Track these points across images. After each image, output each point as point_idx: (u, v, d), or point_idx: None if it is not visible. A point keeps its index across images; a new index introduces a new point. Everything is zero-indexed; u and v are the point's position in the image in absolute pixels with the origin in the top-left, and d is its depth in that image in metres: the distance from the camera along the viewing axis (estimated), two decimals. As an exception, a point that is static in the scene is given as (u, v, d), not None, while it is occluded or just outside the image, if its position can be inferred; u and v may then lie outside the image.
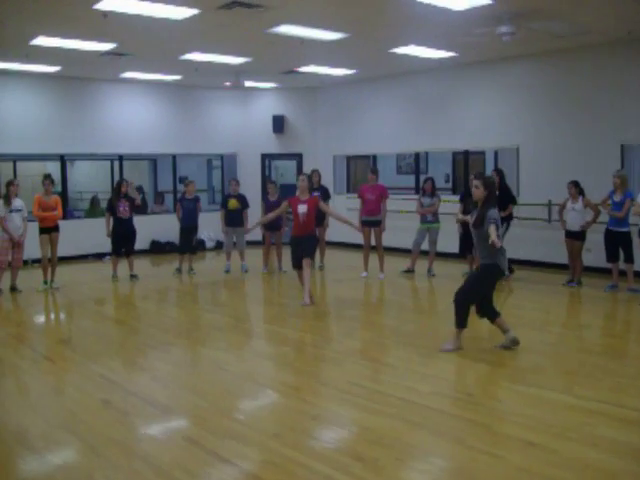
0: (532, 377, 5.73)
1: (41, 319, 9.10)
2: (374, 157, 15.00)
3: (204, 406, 5.11)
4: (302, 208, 8.49)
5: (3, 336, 7.71)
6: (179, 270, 11.75)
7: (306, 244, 8.65)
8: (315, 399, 5.32)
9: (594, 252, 10.09)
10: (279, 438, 4.39)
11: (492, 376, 5.85)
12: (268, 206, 11.72)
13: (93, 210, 14.74)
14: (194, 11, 8.37)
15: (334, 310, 9.07)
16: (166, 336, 7.50)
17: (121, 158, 14.54)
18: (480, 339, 7.13)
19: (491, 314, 6.52)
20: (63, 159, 13.95)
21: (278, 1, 8.06)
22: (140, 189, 14.54)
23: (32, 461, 4.16)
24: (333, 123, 15.67)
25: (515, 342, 6.51)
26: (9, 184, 10.05)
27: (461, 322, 6.43)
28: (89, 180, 18.44)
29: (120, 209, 10.97)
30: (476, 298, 6.45)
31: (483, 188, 6.29)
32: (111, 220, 11.05)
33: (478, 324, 8.30)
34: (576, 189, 9.82)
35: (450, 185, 14.88)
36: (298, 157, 16.17)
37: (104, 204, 13.69)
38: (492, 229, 6.04)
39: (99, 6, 8.05)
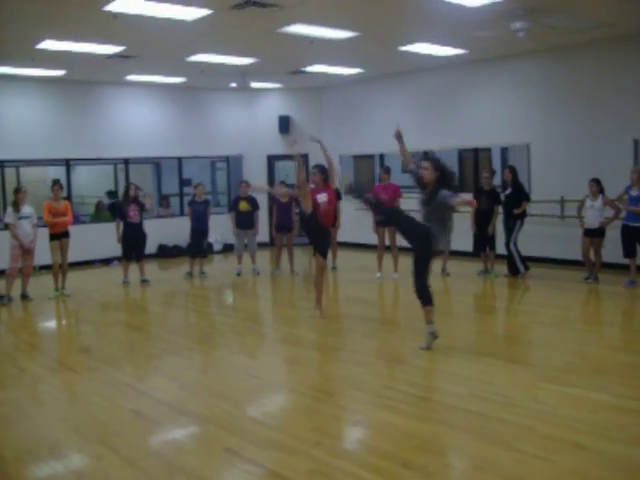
0: (566, 376, 5.65)
1: (55, 326, 8.97)
2: (381, 156, 14.85)
3: (238, 414, 4.99)
4: (322, 197, 8.05)
5: (19, 344, 7.61)
6: (190, 274, 11.61)
7: (325, 237, 8.35)
8: (351, 404, 5.21)
9: (610, 248, 9.99)
10: (322, 446, 4.26)
11: (525, 376, 5.72)
12: (279, 207, 11.66)
13: (98, 215, 14.59)
14: (206, 11, 8.24)
15: (351, 312, 8.95)
16: (185, 341, 7.38)
17: (127, 162, 14.40)
18: (506, 338, 7.04)
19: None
20: (68, 164, 13.80)
21: (293, 0, 7.94)
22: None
23: (70, 477, 4.02)
24: (339, 123, 15.52)
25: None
26: (17, 191, 9.93)
27: (426, 301, 6.56)
28: (90, 185, 18.24)
29: (130, 214, 10.85)
30: (424, 273, 6.72)
31: (433, 170, 6.38)
32: (121, 225, 10.94)
33: (503, 323, 8.25)
34: (597, 187, 9.72)
35: (457, 183, 14.73)
36: (304, 158, 15.97)
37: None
38: (450, 200, 6.19)
39: (109, 7, 7.93)
